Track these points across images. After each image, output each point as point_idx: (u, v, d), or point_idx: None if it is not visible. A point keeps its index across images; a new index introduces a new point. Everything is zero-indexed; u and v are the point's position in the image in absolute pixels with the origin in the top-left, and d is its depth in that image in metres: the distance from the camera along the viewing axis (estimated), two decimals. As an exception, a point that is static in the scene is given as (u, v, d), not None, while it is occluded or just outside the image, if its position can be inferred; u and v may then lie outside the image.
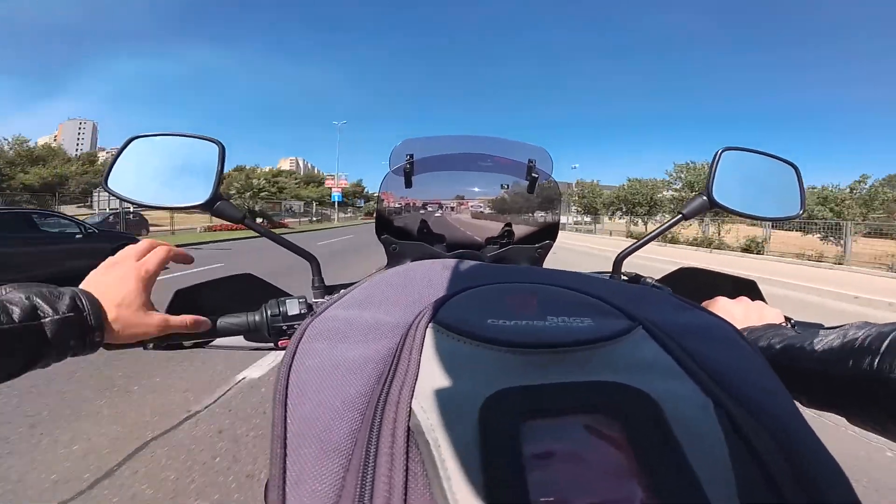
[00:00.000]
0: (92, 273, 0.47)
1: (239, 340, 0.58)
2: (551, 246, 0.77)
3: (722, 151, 0.62)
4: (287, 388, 0.26)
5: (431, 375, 0.24)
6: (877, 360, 0.31)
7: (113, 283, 0.45)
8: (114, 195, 0.57)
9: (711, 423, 0.22)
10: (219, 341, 0.58)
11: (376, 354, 0.27)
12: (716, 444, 0.21)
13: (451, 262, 0.38)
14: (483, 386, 0.23)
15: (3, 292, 0.38)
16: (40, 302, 0.39)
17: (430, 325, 0.27)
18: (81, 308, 0.41)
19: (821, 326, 0.47)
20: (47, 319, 0.38)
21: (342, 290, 0.35)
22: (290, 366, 0.27)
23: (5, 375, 0.37)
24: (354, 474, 0.21)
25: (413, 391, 0.23)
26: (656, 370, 0.24)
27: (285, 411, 0.25)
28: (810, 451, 0.23)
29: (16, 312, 0.37)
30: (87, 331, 0.41)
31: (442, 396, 0.23)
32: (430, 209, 0.82)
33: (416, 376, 0.24)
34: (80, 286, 0.44)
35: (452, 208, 0.83)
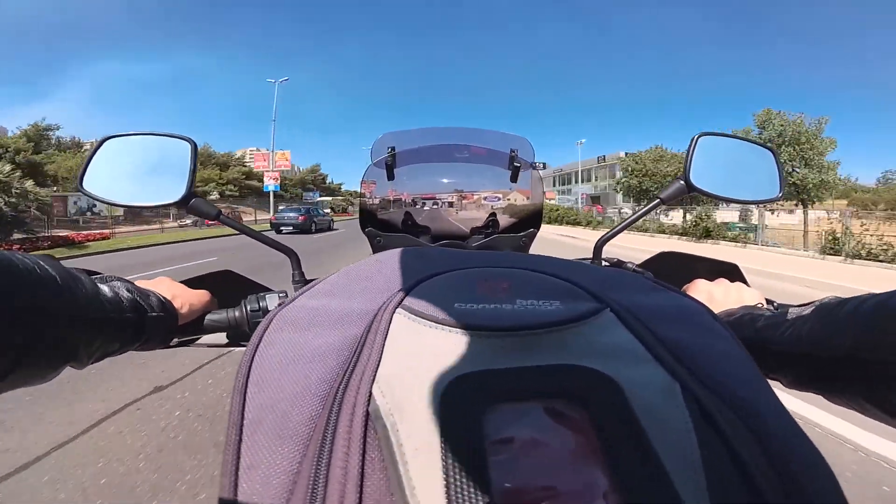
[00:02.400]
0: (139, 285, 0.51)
1: (221, 337, 0.58)
2: (536, 234, 0.77)
3: (698, 137, 0.62)
4: (248, 376, 0.25)
5: (394, 360, 0.23)
6: (846, 337, 0.31)
7: (160, 287, 0.51)
8: (89, 196, 0.56)
9: (678, 408, 0.21)
10: (202, 339, 0.57)
11: (342, 342, 0.26)
12: (682, 429, 0.20)
13: (426, 249, 0.37)
14: (446, 369, 0.22)
15: (112, 283, 0.42)
16: (139, 298, 0.43)
17: (397, 310, 0.26)
18: (168, 307, 0.46)
19: (796, 306, 0.47)
20: (148, 315, 0.43)
21: (314, 280, 0.35)
22: (253, 355, 0.27)
23: (104, 356, 0.40)
24: (310, 460, 0.21)
25: (374, 376, 0.22)
26: (622, 353, 0.24)
27: (244, 399, 0.24)
28: (787, 438, 0.22)
29: (125, 304, 0.41)
30: (169, 329, 0.47)
31: (403, 380, 0.22)
32: (413, 201, 0.82)
33: (379, 361, 0.23)
34: (154, 290, 0.48)
35: (436, 199, 0.83)
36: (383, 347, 0.24)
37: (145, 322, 0.42)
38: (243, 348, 0.57)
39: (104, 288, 0.40)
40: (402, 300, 0.27)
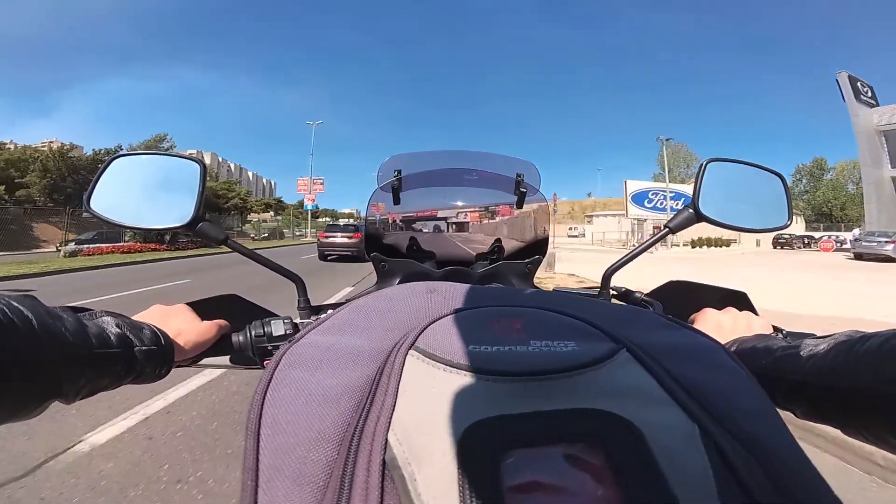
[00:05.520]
0: (149, 314, 0.51)
1: (224, 360, 0.58)
2: (541, 261, 0.77)
3: (707, 163, 0.61)
4: (260, 418, 0.25)
5: (409, 405, 0.23)
6: (870, 369, 0.31)
7: (173, 320, 0.51)
8: (96, 216, 0.56)
9: (697, 452, 0.21)
10: (205, 361, 0.57)
11: (354, 383, 0.26)
12: (701, 473, 0.20)
13: (436, 284, 0.37)
14: (462, 416, 0.22)
15: (100, 319, 0.42)
16: (129, 333, 0.42)
17: (410, 351, 0.26)
18: (161, 342, 0.45)
19: (812, 336, 0.46)
20: (136, 349, 0.42)
21: (324, 315, 0.35)
22: (265, 395, 0.26)
23: (94, 391, 0.40)
24: None
25: (389, 422, 0.22)
26: (640, 395, 0.24)
27: (258, 442, 0.24)
28: (802, 479, 0.22)
29: (112, 339, 0.40)
30: (163, 362, 0.46)
31: (419, 427, 0.22)
32: (419, 225, 0.82)
33: (393, 406, 0.23)
34: (149, 323, 0.47)
35: (441, 224, 0.83)
36: (397, 391, 0.24)
37: (135, 356, 0.42)
38: (246, 369, 0.57)
39: (89, 324, 0.40)
40: (415, 341, 0.27)
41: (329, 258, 14.09)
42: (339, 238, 14.00)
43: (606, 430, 0.22)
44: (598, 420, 0.22)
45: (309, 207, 36.08)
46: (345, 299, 0.70)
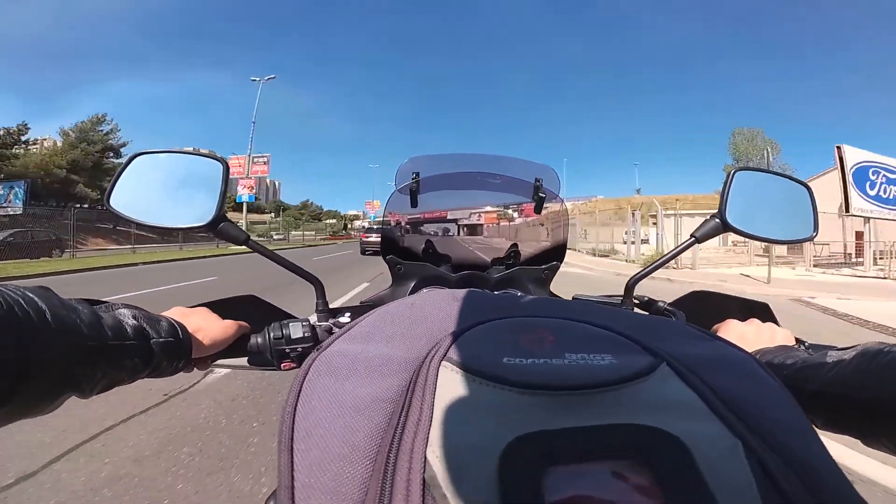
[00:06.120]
0: (170, 314, 0.50)
1: (241, 361, 0.58)
2: (558, 267, 0.76)
3: (735, 172, 0.61)
4: (293, 429, 0.25)
5: (446, 420, 0.22)
6: (891, 381, 0.31)
7: (193, 318, 0.51)
8: (116, 214, 0.56)
9: (741, 465, 0.21)
10: (222, 361, 0.57)
11: (385, 393, 0.26)
12: (747, 488, 0.20)
13: (462, 292, 0.37)
14: (502, 431, 0.21)
15: (117, 311, 0.42)
16: (145, 325, 0.42)
17: (443, 362, 0.26)
18: (179, 335, 0.45)
19: (833, 348, 0.46)
20: (153, 341, 0.42)
21: (348, 323, 0.34)
22: (296, 406, 0.26)
23: (110, 385, 0.39)
24: None
25: (427, 438, 0.22)
26: (683, 409, 0.23)
27: (291, 457, 0.24)
28: (838, 490, 0.22)
29: (128, 331, 0.40)
30: (180, 355, 0.45)
31: (458, 444, 0.21)
32: (435, 228, 0.82)
33: (430, 421, 0.22)
34: (167, 316, 0.47)
35: (457, 227, 0.82)
36: (433, 405, 0.23)
37: (152, 348, 0.42)
38: (263, 370, 0.57)
39: (105, 316, 0.39)
40: (447, 352, 0.27)
41: (367, 252, 18.25)
42: (374, 238, 18.41)
43: (653, 446, 0.21)
44: (644, 435, 0.22)
45: (244, 199, 23.17)
46: (359, 302, 0.70)
